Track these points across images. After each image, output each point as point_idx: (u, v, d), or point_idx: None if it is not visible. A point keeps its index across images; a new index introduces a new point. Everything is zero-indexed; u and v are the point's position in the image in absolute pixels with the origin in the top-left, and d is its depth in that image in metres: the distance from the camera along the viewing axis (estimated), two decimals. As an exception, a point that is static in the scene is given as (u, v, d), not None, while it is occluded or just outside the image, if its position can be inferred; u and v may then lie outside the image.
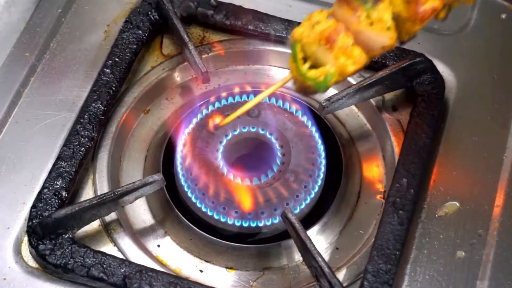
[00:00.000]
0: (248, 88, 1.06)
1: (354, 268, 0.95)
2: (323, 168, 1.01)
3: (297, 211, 0.98)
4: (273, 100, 1.05)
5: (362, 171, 1.05)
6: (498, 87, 1.07)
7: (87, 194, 1.00)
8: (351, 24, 0.79)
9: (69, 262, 0.91)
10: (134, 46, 1.08)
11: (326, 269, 0.89)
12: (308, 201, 0.99)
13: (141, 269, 0.91)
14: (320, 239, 0.99)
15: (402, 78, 1.05)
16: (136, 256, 0.95)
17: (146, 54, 1.12)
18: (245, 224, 0.98)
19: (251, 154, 1.05)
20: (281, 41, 1.11)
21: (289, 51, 1.11)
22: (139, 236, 0.99)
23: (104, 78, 1.05)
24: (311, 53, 0.81)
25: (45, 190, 0.96)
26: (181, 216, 0.99)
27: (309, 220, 0.99)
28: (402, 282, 0.93)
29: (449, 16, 0.85)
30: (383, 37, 0.79)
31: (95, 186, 1.00)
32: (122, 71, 1.06)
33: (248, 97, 1.05)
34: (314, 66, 0.82)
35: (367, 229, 1.00)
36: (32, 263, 0.94)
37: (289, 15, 1.13)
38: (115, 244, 0.97)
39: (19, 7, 1.13)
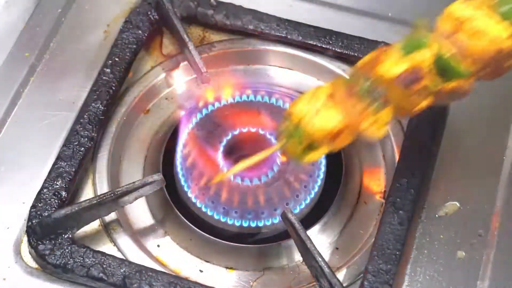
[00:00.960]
0: (248, 88, 1.06)
1: (354, 268, 0.95)
2: (323, 168, 1.01)
3: (297, 211, 0.98)
4: (273, 100, 1.05)
5: (362, 171, 1.05)
6: (498, 87, 1.07)
7: (87, 194, 1.00)
8: (351, 116, 0.80)
9: (69, 262, 0.91)
10: (134, 46, 1.08)
11: (326, 269, 0.89)
12: (308, 201, 0.99)
13: (141, 269, 0.91)
14: (320, 239, 0.99)
15: (402, 78, 1.05)
16: (136, 256, 0.95)
17: (146, 54, 1.12)
18: (245, 224, 0.98)
19: (251, 154, 1.05)
20: (281, 41, 1.11)
21: (289, 51, 1.12)
22: (139, 236, 0.99)
23: (104, 78, 1.05)
24: (308, 137, 0.82)
25: (45, 190, 0.95)
26: (181, 216, 0.99)
27: (309, 220, 0.99)
28: (402, 282, 0.93)
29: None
30: (377, 135, 0.83)
31: (95, 186, 1.00)
32: (122, 71, 1.06)
33: (248, 98, 1.05)
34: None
35: (367, 229, 1.00)
36: (31, 263, 0.94)
37: (289, 15, 1.13)
38: (115, 244, 0.97)
39: (19, 7, 1.13)
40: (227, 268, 0.98)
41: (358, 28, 1.12)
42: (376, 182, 1.04)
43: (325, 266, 0.89)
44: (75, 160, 0.98)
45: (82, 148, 0.99)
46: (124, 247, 0.96)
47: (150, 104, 1.10)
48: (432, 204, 0.98)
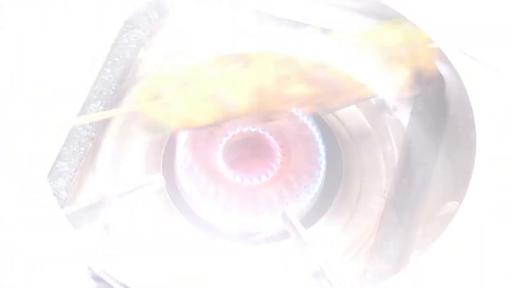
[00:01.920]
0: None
1: (354, 268, 0.95)
2: (323, 168, 1.01)
3: (297, 211, 0.98)
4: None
5: (362, 171, 1.05)
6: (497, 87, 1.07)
7: (87, 194, 1.00)
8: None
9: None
10: (134, 46, 1.08)
11: (326, 269, 0.89)
12: (308, 201, 0.99)
13: (141, 269, 0.91)
14: (320, 239, 0.99)
15: (402, 78, 1.05)
16: (136, 256, 0.95)
17: (146, 54, 1.12)
18: (245, 224, 0.98)
19: (251, 154, 1.06)
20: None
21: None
22: (139, 236, 0.99)
23: (104, 78, 1.05)
24: None
25: (45, 190, 0.96)
26: (181, 216, 0.99)
27: (309, 220, 0.99)
28: (402, 282, 0.93)
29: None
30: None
31: (95, 186, 1.00)
32: (122, 71, 1.06)
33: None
34: None
35: (367, 229, 1.00)
36: (32, 263, 0.94)
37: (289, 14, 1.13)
38: (115, 244, 0.97)
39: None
40: (227, 267, 0.98)
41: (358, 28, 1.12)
42: (376, 182, 1.04)
43: (325, 266, 0.89)
44: (75, 160, 0.98)
45: (83, 148, 0.99)
46: (124, 247, 0.96)
47: (150, 104, 1.10)
48: (432, 204, 0.98)
